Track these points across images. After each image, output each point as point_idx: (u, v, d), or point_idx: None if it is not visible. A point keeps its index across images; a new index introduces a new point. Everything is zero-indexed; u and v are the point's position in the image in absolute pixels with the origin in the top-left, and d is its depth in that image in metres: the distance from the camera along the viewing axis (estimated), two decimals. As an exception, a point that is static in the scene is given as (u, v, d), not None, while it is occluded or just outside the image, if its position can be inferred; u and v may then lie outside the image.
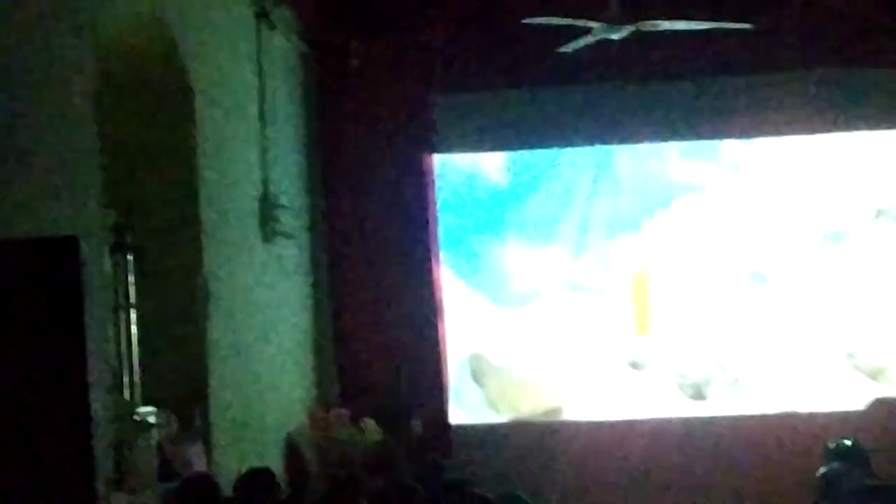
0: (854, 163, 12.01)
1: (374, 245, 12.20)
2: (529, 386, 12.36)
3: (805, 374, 12.06)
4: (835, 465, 9.02)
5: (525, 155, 12.45)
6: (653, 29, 10.24)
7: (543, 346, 12.33)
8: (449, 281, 12.40)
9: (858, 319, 12.03)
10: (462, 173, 12.48)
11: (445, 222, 12.42)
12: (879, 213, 12.01)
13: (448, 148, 12.39)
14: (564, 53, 10.73)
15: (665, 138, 12.17)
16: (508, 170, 12.44)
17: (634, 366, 12.24)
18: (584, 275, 12.36)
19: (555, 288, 12.38)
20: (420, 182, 12.31)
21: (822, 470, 9.07)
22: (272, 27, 10.79)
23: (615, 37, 10.26)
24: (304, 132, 11.96)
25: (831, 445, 9.22)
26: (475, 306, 12.43)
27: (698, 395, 12.17)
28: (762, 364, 12.14)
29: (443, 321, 12.33)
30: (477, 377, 12.40)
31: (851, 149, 12.01)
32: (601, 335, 12.30)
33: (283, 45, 11.31)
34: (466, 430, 12.13)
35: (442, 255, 12.38)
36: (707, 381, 12.20)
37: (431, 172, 12.39)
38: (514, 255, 12.41)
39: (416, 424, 11.36)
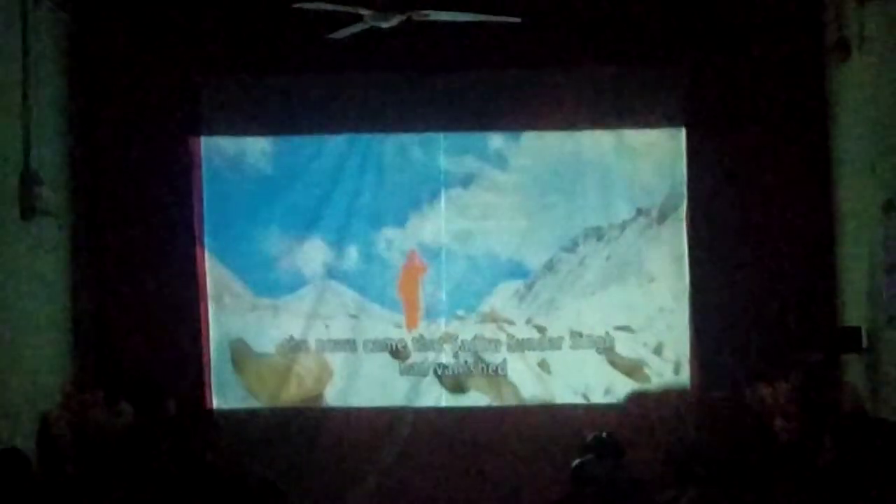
0: (617, 161, 12.18)
1: (137, 227, 11.95)
2: (291, 375, 12.27)
3: (565, 370, 12.21)
4: (588, 456, 9.25)
5: (292, 141, 12.29)
6: (424, 19, 10.31)
7: (305, 336, 12.26)
8: (211, 267, 12.23)
9: (616, 316, 12.20)
10: (228, 158, 12.26)
11: (210, 207, 12.22)
12: (639, 213, 12.20)
13: (214, 131, 12.19)
14: (334, 40, 10.74)
15: (432, 129, 12.17)
16: (273, 156, 12.28)
17: (397, 356, 12.23)
18: (348, 265, 12.31)
19: (318, 277, 12.30)
20: (185, 165, 12.11)
21: (576, 461, 9.30)
22: (38, 1, 10.55)
23: (385, 25, 10.30)
24: (71, 110, 11.67)
25: (588, 438, 9.45)
26: (237, 293, 12.28)
27: (459, 387, 12.22)
28: (522, 358, 12.25)
29: (205, 306, 12.18)
30: (237, 365, 12.26)
31: (615, 147, 12.18)
32: (365, 326, 12.27)
33: (49, 21, 11.04)
34: (227, 415, 12.04)
35: (206, 240, 12.19)
36: (468, 373, 12.26)
37: (198, 156, 12.19)
38: (276, 243, 12.29)
39: (171, 406, 11.23)
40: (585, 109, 12.03)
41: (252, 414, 12.12)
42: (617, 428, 10.38)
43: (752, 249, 11.77)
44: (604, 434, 9.57)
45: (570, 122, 12.07)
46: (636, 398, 11.95)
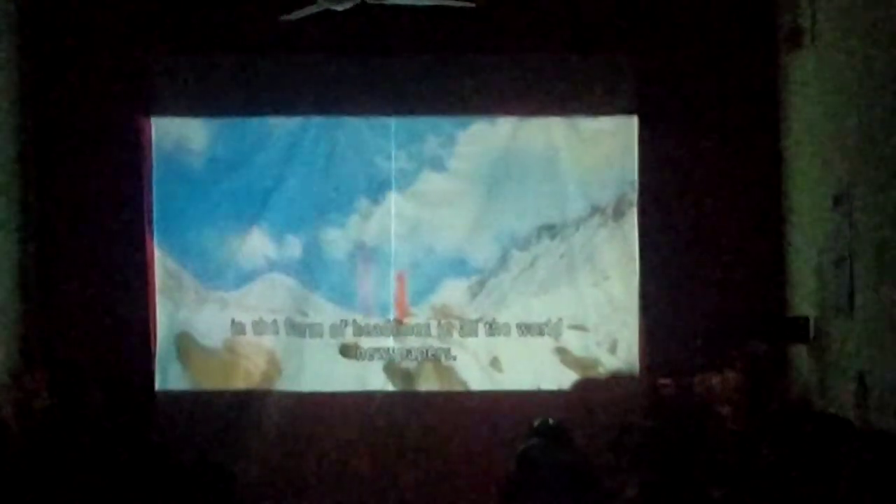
0: (569, 151, 12.11)
1: (86, 209, 11.84)
2: (237, 367, 12.11)
3: (516, 368, 12.10)
4: (533, 441, 9.28)
5: (244, 124, 12.13)
6: (378, 2, 10.28)
7: (252, 328, 12.10)
8: (158, 255, 12.06)
9: (569, 314, 12.11)
10: (178, 141, 12.10)
11: (159, 192, 12.07)
12: (594, 210, 12.13)
13: (166, 112, 12.05)
14: (289, 21, 10.69)
15: (384, 113, 12.05)
16: (223, 140, 12.13)
17: (346, 352, 12.10)
18: (295, 256, 12.15)
19: (264, 269, 12.15)
20: (135, 147, 11.98)
21: (522, 446, 9.33)
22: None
23: (339, 8, 10.26)
24: (20, 89, 11.55)
25: (535, 423, 9.47)
26: (183, 284, 12.12)
27: (408, 384, 12.12)
28: (474, 355, 12.14)
29: (153, 292, 12.02)
30: (182, 357, 12.10)
31: (567, 136, 12.10)
32: (313, 320, 12.13)
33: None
34: (172, 398, 11.94)
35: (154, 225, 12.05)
36: (417, 370, 12.13)
37: (148, 138, 12.04)
38: (224, 231, 12.13)
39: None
40: (537, 96, 11.95)
41: (198, 396, 12.00)
42: (564, 414, 10.40)
43: (702, 239, 11.80)
44: (550, 420, 9.60)
45: (522, 109, 12.01)
46: (584, 385, 11.94)
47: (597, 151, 12.09)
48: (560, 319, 12.09)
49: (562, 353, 12.08)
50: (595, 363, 12.06)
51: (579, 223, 12.11)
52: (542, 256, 12.17)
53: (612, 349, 12.06)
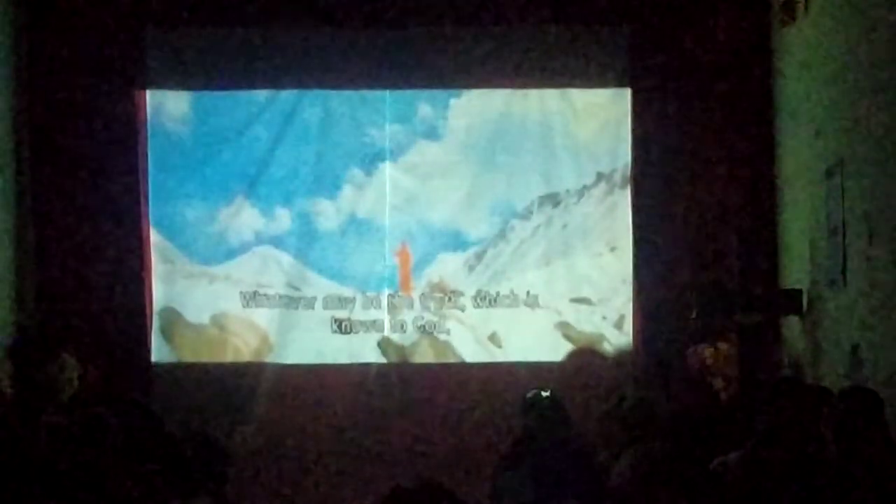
0: (573, 122, 12.01)
1: (81, 182, 11.81)
2: (226, 344, 12.00)
3: (516, 344, 11.94)
4: (529, 416, 9.29)
5: (236, 97, 12.06)
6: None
7: (241, 304, 11.99)
8: (152, 229, 11.98)
9: (573, 288, 11.95)
10: (171, 114, 12.03)
11: (153, 165, 12.00)
12: (600, 177, 12.00)
13: (161, 84, 11.99)
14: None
15: (379, 86, 11.98)
16: (217, 114, 12.05)
17: (339, 328, 11.98)
18: (287, 230, 12.04)
19: (254, 243, 12.05)
20: (130, 119, 11.93)
21: (520, 421, 9.34)
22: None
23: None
24: (12, 63, 11.52)
25: (528, 395, 9.48)
26: (170, 258, 12.02)
27: (402, 357, 12.02)
28: (472, 331, 11.99)
29: (149, 265, 11.95)
30: (167, 333, 11.98)
31: (562, 107, 12.04)
32: (305, 295, 12.00)
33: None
34: (166, 369, 11.92)
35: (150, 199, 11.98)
36: (413, 346, 12.01)
37: (143, 110, 11.98)
38: (215, 206, 12.04)
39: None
40: (531, 68, 11.89)
41: (191, 369, 11.94)
42: (558, 386, 10.41)
43: (695, 211, 11.82)
44: (543, 392, 9.57)
45: (516, 81, 11.96)
46: (578, 355, 11.91)
47: (592, 123, 12.01)
48: (563, 293, 11.97)
49: (564, 327, 11.93)
50: (600, 339, 11.93)
51: (583, 192, 11.97)
52: (543, 226, 12.04)
53: (619, 325, 11.91)
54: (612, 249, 11.98)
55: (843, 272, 9.36)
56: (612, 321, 11.94)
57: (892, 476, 6.07)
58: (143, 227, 11.96)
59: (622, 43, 11.94)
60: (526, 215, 12.03)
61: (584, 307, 11.95)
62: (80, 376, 10.56)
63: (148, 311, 11.93)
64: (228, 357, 12.01)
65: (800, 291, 10.62)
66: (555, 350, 11.92)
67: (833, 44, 9.77)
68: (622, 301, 11.93)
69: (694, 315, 10.94)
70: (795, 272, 11.04)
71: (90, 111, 11.79)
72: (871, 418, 6.51)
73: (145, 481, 6.88)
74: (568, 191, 12.00)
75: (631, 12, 11.88)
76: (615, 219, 11.98)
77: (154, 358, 11.91)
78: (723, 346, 10.68)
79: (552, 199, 12.01)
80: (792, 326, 10.98)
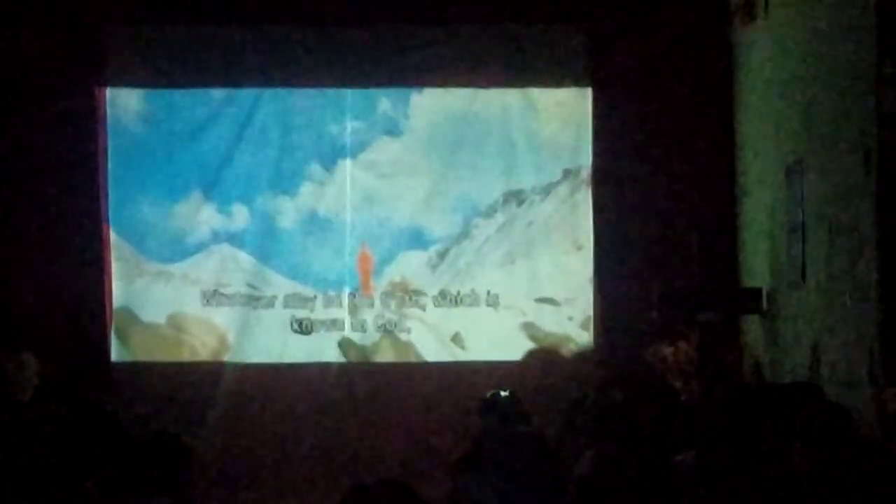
0: (537, 121, 11.97)
1: (39, 180, 11.75)
2: (183, 344, 11.90)
3: (480, 345, 11.86)
4: (489, 416, 9.27)
5: (195, 95, 12.02)
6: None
7: (201, 303, 11.91)
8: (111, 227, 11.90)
9: (538, 287, 11.87)
10: (131, 112, 11.96)
11: (112, 163, 11.92)
12: (566, 174, 11.94)
13: (121, 82, 11.93)
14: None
15: (339, 84, 11.94)
16: (176, 111, 11.98)
17: (299, 328, 11.92)
18: (245, 228, 11.95)
19: (212, 242, 11.96)
20: (89, 116, 11.87)
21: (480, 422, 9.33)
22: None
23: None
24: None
25: (488, 395, 9.47)
26: (125, 256, 11.92)
27: (363, 357, 11.97)
28: (434, 331, 11.91)
29: (109, 263, 11.87)
30: (122, 333, 11.90)
31: (523, 105, 12.01)
32: (263, 294, 11.93)
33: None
34: (125, 368, 11.87)
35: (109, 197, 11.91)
36: (374, 347, 11.95)
37: (102, 107, 11.91)
38: (173, 204, 11.96)
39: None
40: (492, 66, 11.87)
41: (150, 368, 11.86)
42: (517, 386, 10.39)
43: (656, 210, 11.84)
44: (502, 392, 9.54)
45: (478, 81, 11.95)
46: (538, 355, 11.88)
47: (554, 122, 11.98)
48: (528, 292, 11.88)
49: (529, 328, 11.87)
50: (566, 340, 11.88)
51: (549, 189, 11.91)
52: (507, 225, 11.95)
53: (586, 325, 11.84)
54: (579, 248, 11.91)
55: (803, 271, 9.40)
56: (578, 322, 11.88)
57: (850, 469, 6.07)
58: (101, 225, 11.87)
59: (583, 42, 11.93)
60: (490, 213, 11.95)
61: (549, 307, 11.88)
62: (39, 375, 10.47)
63: (108, 309, 11.86)
64: (185, 357, 11.92)
65: (760, 290, 10.66)
66: (519, 351, 11.87)
67: (792, 43, 9.81)
68: (589, 301, 11.87)
69: (654, 314, 10.97)
70: (755, 271, 11.07)
71: (49, 108, 11.71)
72: (814, 413, 6.51)
73: (105, 481, 6.84)
74: (533, 188, 11.94)
75: (592, 12, 11.89)
76: (581, 217, 11.93)
77: (113, 357, 11.83)
78: (682, 344, 10.70)
79: (517, 197, 11.93)
80: (752, 325, 11.02)
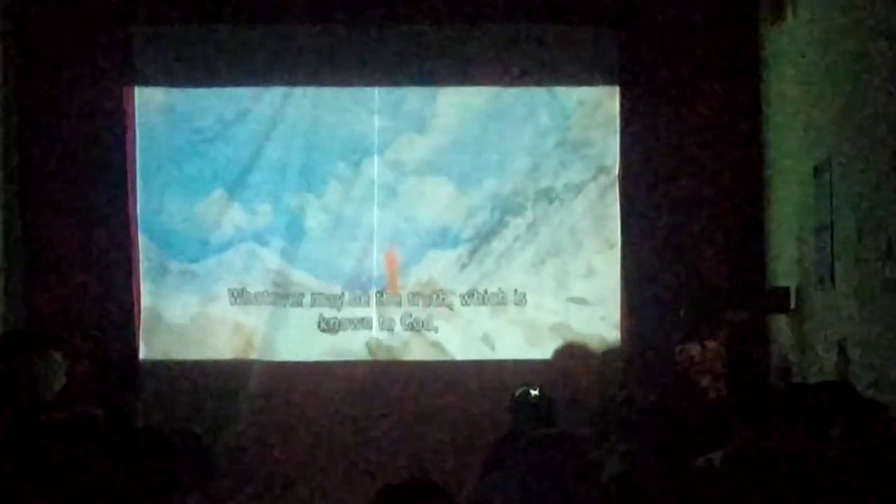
0: (565, 120, 11.91)
1: (68, 180, 11.76)
2: (208, 342, 11.85)
3: (510, 346, 11.75)
4: (518, 414, 9.27)
5: (222, 95, 11.98)
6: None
7: (229, 301, 11.86)
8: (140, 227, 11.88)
9: (571, 287, 11.78)
10: (159, 111, 11.95)
11: (141, 163, 11.90)
12: (599, 172, 11.88)
13: (149, 81, 11.92)
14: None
15: (367, 84, 11.92)
16: (204, 111, 11.95)
17: (326, 328, 11.87)
18: (272, 228, 11.90)
19: (237, 240, 11.90)
20: (117, 116, 11.85)
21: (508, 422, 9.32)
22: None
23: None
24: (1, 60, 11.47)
25: (516, 394, 9.46)
26: (152, 255, 11.89)
27: (391, 356, 11.87)
28: (463, 332, 11.84)
29: (137, 264, 11.85)
30: (150, 331, 11.83)
31: (560, 105, 11.96)
32: (290, 295, 11.87)
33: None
34: (154, 367, 11.85)
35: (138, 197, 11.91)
36: (403, 348, 11.88)
37: (131, 107, 11.89)
38: (194, 204, 11.91)
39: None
40: (521, 66, 11.84)
41: (178, 367, 11.81)
42: (548, 385, 10.38)
43: (683, 210, 11.81)
44: (532, 391, 9.53)
45: (504, 78, 11.92)
46: (566, 353, 11.83)
47: (580, 121, 11.95)
48: (559, 292, 11.79)
49: (561, 328, 11.78)
50: (599, 340, 11.78)
51: (581, 187, 11.84)
52: (538, 223, 11.88)
53: (619, 325, 11.76)
54: (611, 247, 11.83)
55: (831, 270, 9.38)
56: (612, 322, 11.78)
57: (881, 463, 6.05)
58: (130, 224, 11.87)
59: (612, 42, 11.89)
60: (519, 211, 11.87)
61: (581, 307, 11.80)
62: (67, 374, 10.50)
63: (136, 308, 11.86)
64: (211, 356, 11.88)
65: (787, 290, 10.63)
66: (549, 351, 11.76)
67: (821, 42, 9.78)
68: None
69: (682, 313, 10.94)
70: (783, 270, 11.04)
71: (77, 108, 11.74)
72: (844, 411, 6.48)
73: (132, 479, 6.86)
74: (565, 186, 11.86)
75: (620, 12, 11.86)
76: (612, 216, 11.84)
77: (141, 356, 11.85)
78: (710, 344, 10.66)
79: (546, 196, 11.86)
80: (780, 325, 10.99)
